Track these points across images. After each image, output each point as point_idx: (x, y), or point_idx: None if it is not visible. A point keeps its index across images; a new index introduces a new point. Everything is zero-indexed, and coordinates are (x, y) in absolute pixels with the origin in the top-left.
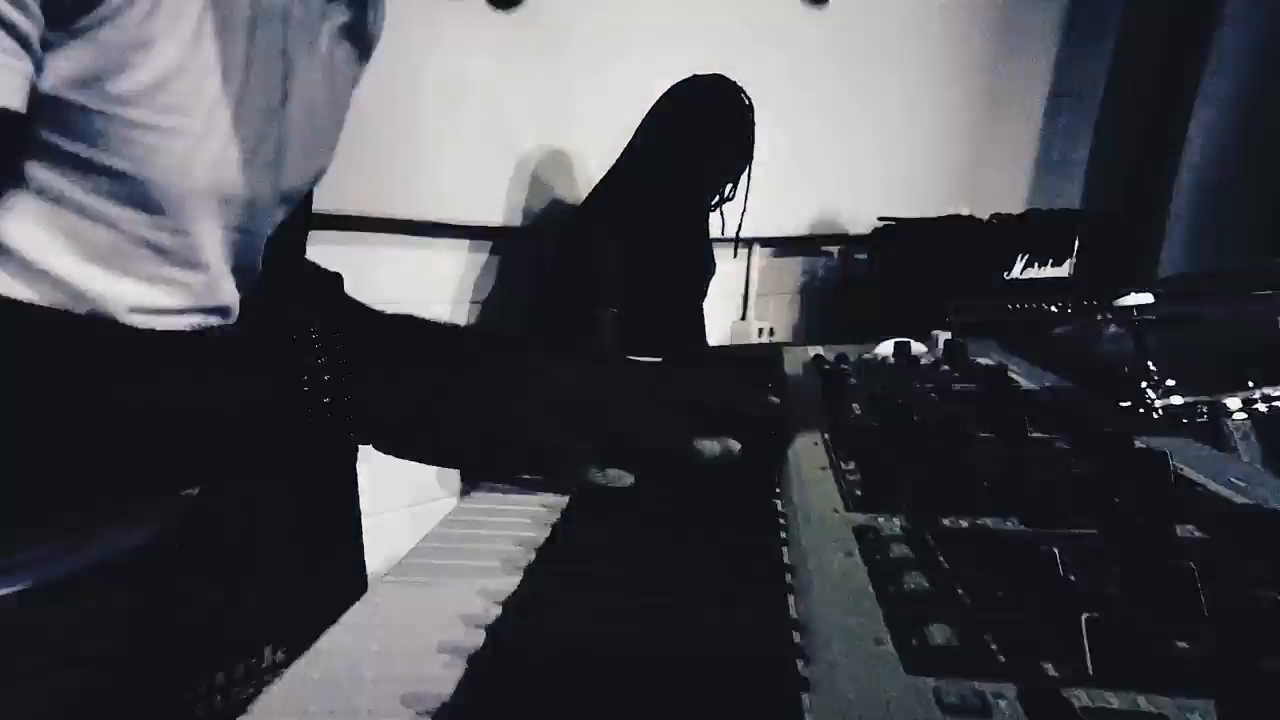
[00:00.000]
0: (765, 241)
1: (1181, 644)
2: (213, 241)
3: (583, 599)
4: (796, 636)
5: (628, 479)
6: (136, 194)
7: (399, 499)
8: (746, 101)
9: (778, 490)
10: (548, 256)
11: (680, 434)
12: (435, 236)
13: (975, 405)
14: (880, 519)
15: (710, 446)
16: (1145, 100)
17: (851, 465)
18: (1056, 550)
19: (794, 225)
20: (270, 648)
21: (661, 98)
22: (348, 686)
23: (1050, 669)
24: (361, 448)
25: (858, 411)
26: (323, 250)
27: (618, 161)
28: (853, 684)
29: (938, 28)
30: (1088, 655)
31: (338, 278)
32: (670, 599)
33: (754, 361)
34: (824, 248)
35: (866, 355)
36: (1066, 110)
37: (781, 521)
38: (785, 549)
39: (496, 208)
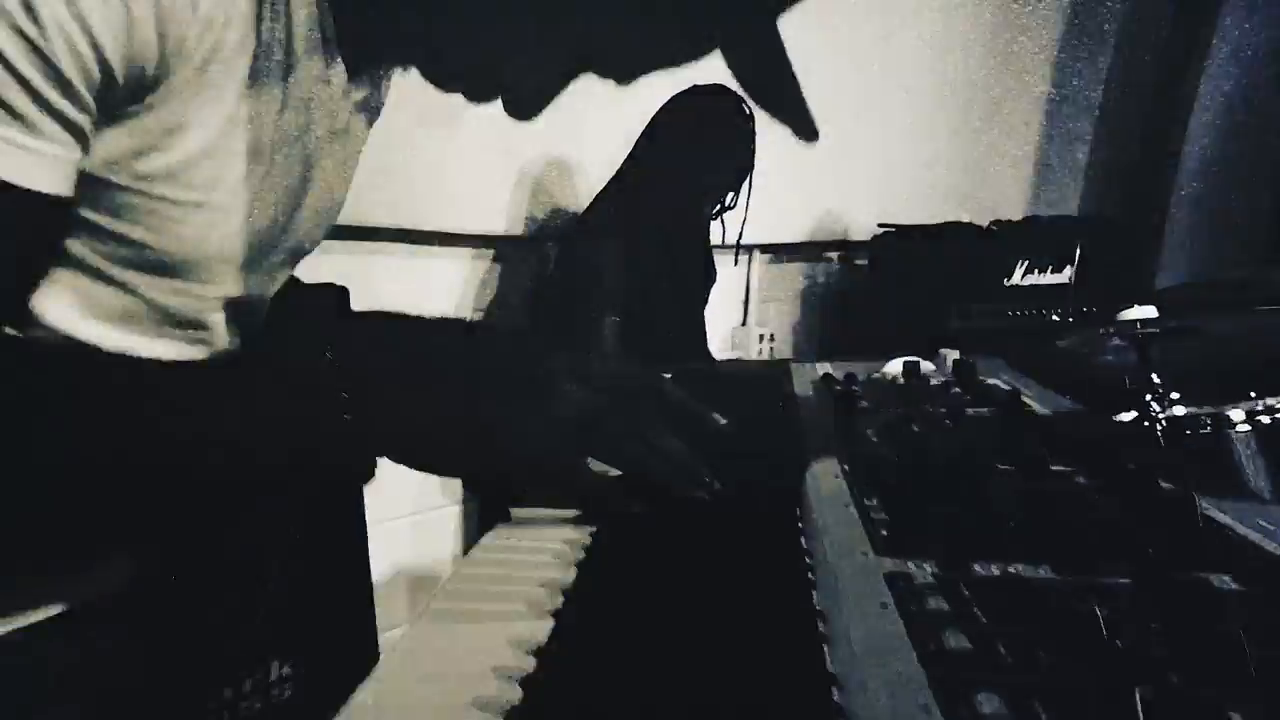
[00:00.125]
0: (765, 248)
1: (1235, 716)
2: (221, 301)
3: (614, 653)
4: (835, 693)
5: (636, 506)
6: (153, 261)
7: (401, 507)
8: (747, 111)
9: (799, 522)
10: (549, 265)
11: (691, 469)
12: (437, 245)
13: (991, 433)
14: (910, 564)
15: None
16: (1144, 106)
17: (875, 502)
18: (1098, 610)
19: (794, 232)
20: (277, 662)
21: (662, 108)
22: None
23: None
24: None
25: (873, 439)
26: (326, 260)
27: (619, 171)
28: None
29: (937, 34)
30: None
31: (344, 291)
32: (704, 652)
33: (762, 381)
34: (824, 254)
35: (876, 375)
36: (1066, 116)
37: (808, 560)
38: (814, 592)
39: (499, 216)
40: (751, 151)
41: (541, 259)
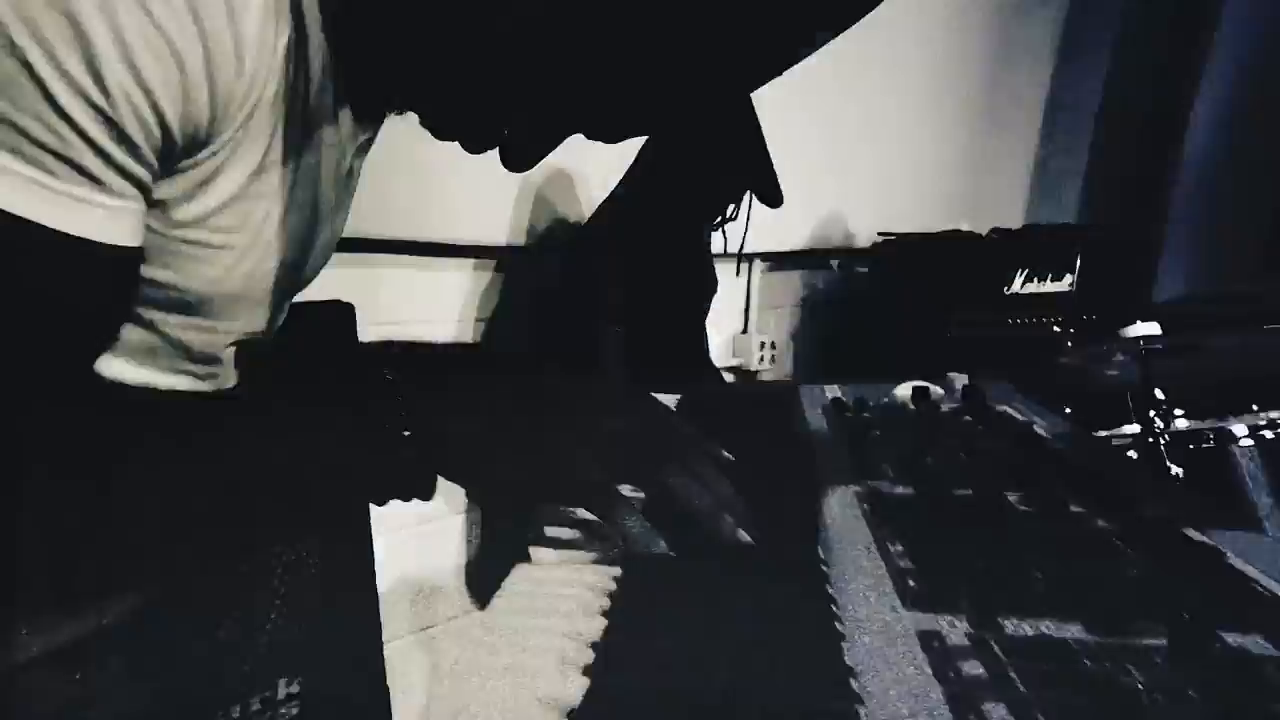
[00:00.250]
0: (766, 256)
1: None
2: (235, 337)
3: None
4: None
5: (661, 544)
6: (176, 300)
7: (406, 518)
8: None
9: (824, 565)
10: (551, 276)
11: (715, 510)
12: (439, 256)
13: (1006, 466)
14: (942, 622)
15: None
16: (1143, 113)
17: (899, 547)
18: (1140, 684)
19: (794, 241)
20: (284, 680)
21: None
22: None
23: None
24: None
25: (890, 473)
26: (328, 272)
27: (620, 182)
28: None
29: (936, 42)
30: None
31: (349, 308)
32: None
33: (770, 402)
34: (825, 262)
35: (885, 399)
36: (1064, 124)
37: (834, 608)
38: (844, 644)
39: (501, 227)
40: None
41: (543, 270)
